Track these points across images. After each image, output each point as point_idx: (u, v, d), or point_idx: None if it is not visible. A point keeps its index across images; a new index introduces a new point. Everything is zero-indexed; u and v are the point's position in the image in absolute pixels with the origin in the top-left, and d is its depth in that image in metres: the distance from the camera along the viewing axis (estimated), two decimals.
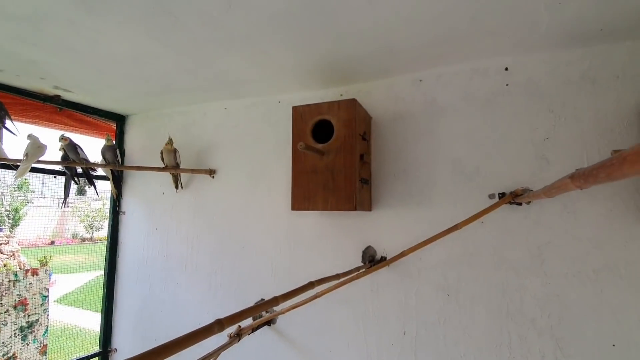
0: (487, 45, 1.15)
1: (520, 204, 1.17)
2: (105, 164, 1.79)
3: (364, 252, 1.42)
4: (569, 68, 1.14)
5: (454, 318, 1.25)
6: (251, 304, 1.66)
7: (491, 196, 1.20)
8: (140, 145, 2.06)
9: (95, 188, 1.89)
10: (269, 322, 1.61)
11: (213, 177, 1.79)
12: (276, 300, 0.75)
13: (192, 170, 1.79)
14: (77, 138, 1.79)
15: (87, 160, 1.71)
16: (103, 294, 2.04)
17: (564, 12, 0.95)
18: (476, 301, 1.23)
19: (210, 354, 1.26)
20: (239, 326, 1.44)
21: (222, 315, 1.68)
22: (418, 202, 1.33)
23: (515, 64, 1.21)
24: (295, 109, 1.29)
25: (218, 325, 0.58)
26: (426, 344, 1.29)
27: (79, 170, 1.76)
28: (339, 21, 1.01)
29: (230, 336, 1.44)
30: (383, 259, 1.38)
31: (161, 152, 1.73)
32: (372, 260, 1.40)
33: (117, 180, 2.03)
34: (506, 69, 1.22)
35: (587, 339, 1.09)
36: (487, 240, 1.22)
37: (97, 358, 2.00)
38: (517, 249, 1.18)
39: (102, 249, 2.15)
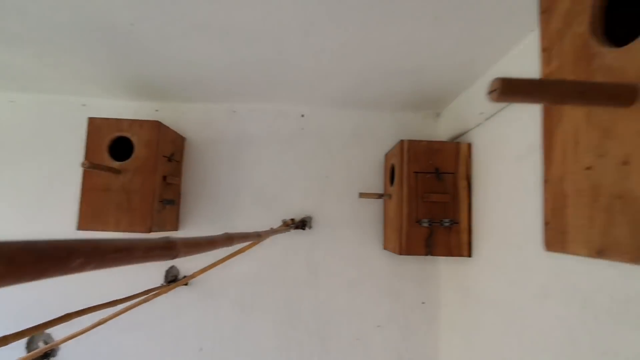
0: (286, 93, 1.36)
1: (304, 228, 1.42)
2: None
3: (166, 272, 1.41)
4: (345, 123, 1.47)
5: (247, 331, 1.39)
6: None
7: (284, 222, 1.41)
8: None
9: None
10: (46, 356, 1.39)
11: None
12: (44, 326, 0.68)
13: None
14: None
15: None
16: None
17: (330, 85, 1.23)
18: (266, 314, 1.40)
19: None
20: None
21: None
22: (223, 224, 1.42)
23: (310, 112, 1.48)
24: (91, 120, 1.20)
25: None
26: (220, 357, 1.37)
27: None
28: (148, 47, 1.01)
29: None
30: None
31: None
32: (174, 280, 1.40)
33: None
34: (302, 115, 1.47)
35: (341, 336, 1.39)
36: (276, 260, 1.42)
37: None
38: (299, 266, 1.42)
39: None
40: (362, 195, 1.28)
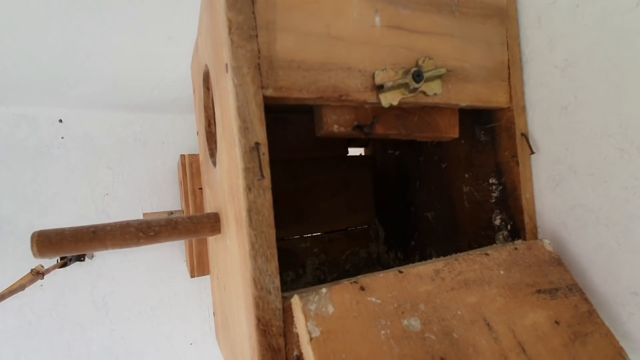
0: (35, 92, 1.02)
1: (82, 259, 1.17)
2: None
3: None
4: (123, 129, 1.23)
5: None
6: None
7: (33, 270, 1.12)
8: None
9: None
10: None
11: None
12: None
13: None
14: None
15: None
16: None
17: (85, 86, 0.98)
18: None
19: None
20: None
21: None
22: None
23: (71, 116, 1.17)
24: None
25: None
26: None
27: None
28: None
29: None
30: None
31: None
32: None
33: None
34: (60, 120, 1.15)
35: None
36: (48, 304, 1.14)
37: None
38: (82, 304, 1.18)
39: None
40: (146, 215, 1.12)
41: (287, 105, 0.25)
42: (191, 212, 1.06)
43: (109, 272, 1.21)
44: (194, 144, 1.30)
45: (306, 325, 0.19)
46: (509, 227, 0.35)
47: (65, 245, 0.24)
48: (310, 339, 0.19)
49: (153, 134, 1.27)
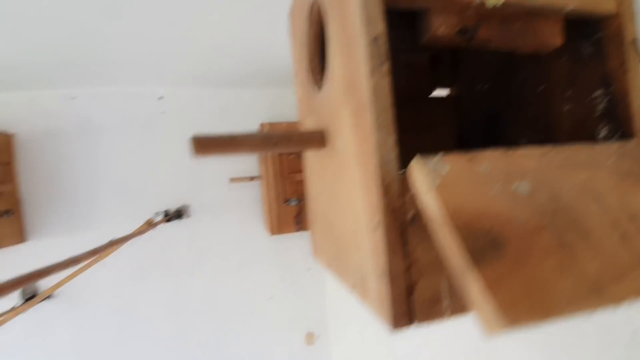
0: (140, 73, 1.19)
1: (181, 218, 1.35)
2: None
3: (22, 291, 1.24)
4: (212, 102, 1.38)
5: (133, 331, 1.33)
6: None
7: (157, 214, 1.32)
8: None
9: None
10: None
11: None
12: None
13: None
14: None
15: None
16: None
17: (185, 64, 1.12)
18: (153, 309, 1.34)
19: None
20: None
21: None
22: (81, 227, 1.27)
23: (169, 93, 1.34)
24: None
25: None
26: None
27: None
28: None
29: None
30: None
31: None
32: (33, 296, 1.24)
33: None
34: (161, 97, 1.33)
35: (235, 313, 1.42)
36: (156, 254, 1.34)
37: None
38: (183, 256, 1.37)
39: None
40: (233, 180, 1.25)
41: (396, 9, 0.28)
42: (270, 176, 1.16)
43: (203, 230, 1.38)
44: (272, 114, 1.40)
45: (426, 178, 0.23)
46: (615, 137, 0.34)
47: (215, 147, 0.31)
48: (431, 188, 0.22)
49: (237, 106, 1.39)
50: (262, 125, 1.15)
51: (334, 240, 0.39)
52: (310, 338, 1.52)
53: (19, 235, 1.19)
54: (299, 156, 1.18)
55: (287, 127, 1.17)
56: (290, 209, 1.18)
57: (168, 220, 1.30)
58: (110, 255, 1.20)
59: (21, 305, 1.16)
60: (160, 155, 1.34)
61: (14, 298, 1.24)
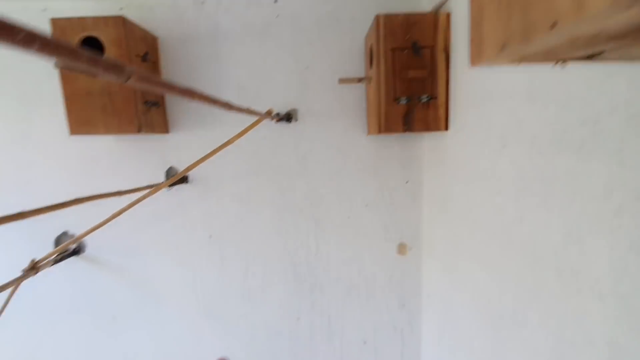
0: None
1: (290, 121, 1.46)
2: None
3: (166, 173, 1.51)
4: (322, 5, 1.38)
5: (248, 218, 1.54)
6: (51, 239, 1.57)
7: (273, 117, 1.44)
8: None
9: None
10: (76, 252, 1.59)
11: None
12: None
13: None
14: None
15: None
16: None
17: None
18: (263, 202, 1.53)
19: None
20: (33, 260, 1.38)
21: (14, 258, 1.48)
22: (211, 123, 1.46)
23: None
24: (54, 22, 1.15)
25: None
26: (228, 241, 1.56)
27: None
28: None
29: (24, 271, 1.37)
30: (185, 178, 1.52)
31: None
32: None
33: None
34: (275, 0, 1.38)
35: (333, 216, 1.54)
36: (267, 153, 1.49)
37: None
38: (289, 158, 1.50)
39: None
40: (341, 81, 1.28)
41: None
42: (381, 73, 1.15)
43: (309, 134, 1.48)
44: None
45: None
46: None
47: None
48: None
49: (344, 12, 1.38)
50: (377, 17, 1.12)
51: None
52: (402, 249, 1.58)
53: (164, 126, 1.43)
54: (411, 52, 1.15)
55: (404, 19, 1.12)
56: (399, 108, 1.17)
57: (278, 121, 1.41)
58: (233, 148, 1.37)
59: (165, 182, 1.42)
60: (273, 61, 1.42)
61: (160, 180, 1.52)
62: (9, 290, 1.40)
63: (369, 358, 1.67)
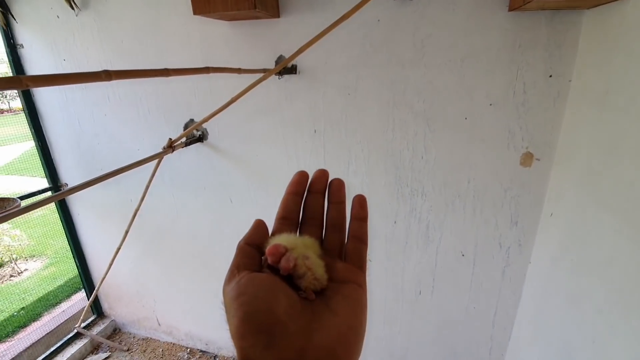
0: None
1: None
2: None
3: (276, 62, 1.51)
4: None
5: (353, 113, 1.49)
6: (181, 125, 1.78)
7: None
8: None
9: None
10: (200, 139, 1.79)
11: None
12: (167, 72, 0.85)
13: None
14: None
15: None
16: (31, 129, 2.04)
17: None
18: (370, 96, 1.44)
19: (146, 159, 1.43)
20: (170, 139, 1.60)
21: (156, 139, 1.82)
22: (322, 6, 1.36)
23: None
24: None
25: (105, 74, 0.67)
26: (332, 137, 1.56)
27: None
28: None
29: (163, 148, 1.61)
30: (293, 67, 1.49)
31: None
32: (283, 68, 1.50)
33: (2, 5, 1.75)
34: None
35: (448, 115, 1.38)
36: (380, 39, 1.35)
37: (49, 192, 2.16)
38: (405, 44, 1.33)
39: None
40: None
41: None
42: None
43: (431, 14, 1.27)
44: None
45: None
46: None
47: None
48: None
49: None
50: None
51: None
52: (527, 159, 1.36)
53: (275, 8, 1.38)
54: None
55: None
56: None
57: None
58: (342, 34, 1.26)
59: (275, 68, 1.41)
60: None
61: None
62: (155, 162, 1.66)
63: (465, 271, 1.62)
